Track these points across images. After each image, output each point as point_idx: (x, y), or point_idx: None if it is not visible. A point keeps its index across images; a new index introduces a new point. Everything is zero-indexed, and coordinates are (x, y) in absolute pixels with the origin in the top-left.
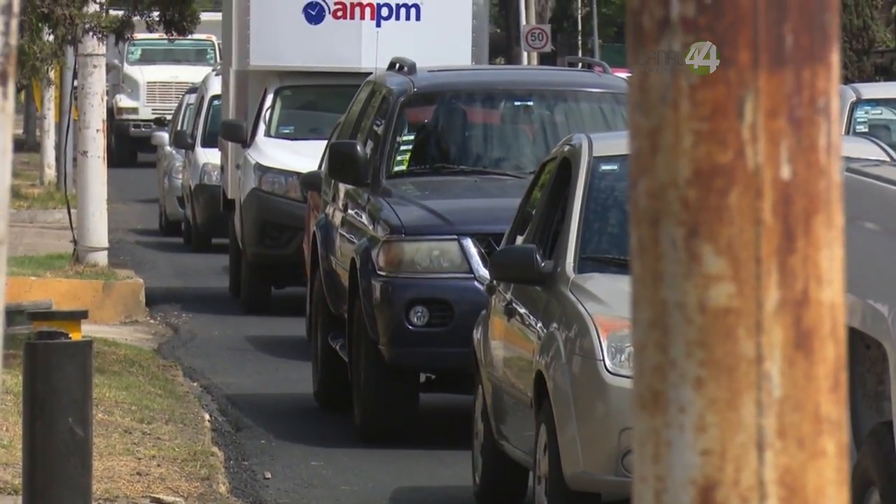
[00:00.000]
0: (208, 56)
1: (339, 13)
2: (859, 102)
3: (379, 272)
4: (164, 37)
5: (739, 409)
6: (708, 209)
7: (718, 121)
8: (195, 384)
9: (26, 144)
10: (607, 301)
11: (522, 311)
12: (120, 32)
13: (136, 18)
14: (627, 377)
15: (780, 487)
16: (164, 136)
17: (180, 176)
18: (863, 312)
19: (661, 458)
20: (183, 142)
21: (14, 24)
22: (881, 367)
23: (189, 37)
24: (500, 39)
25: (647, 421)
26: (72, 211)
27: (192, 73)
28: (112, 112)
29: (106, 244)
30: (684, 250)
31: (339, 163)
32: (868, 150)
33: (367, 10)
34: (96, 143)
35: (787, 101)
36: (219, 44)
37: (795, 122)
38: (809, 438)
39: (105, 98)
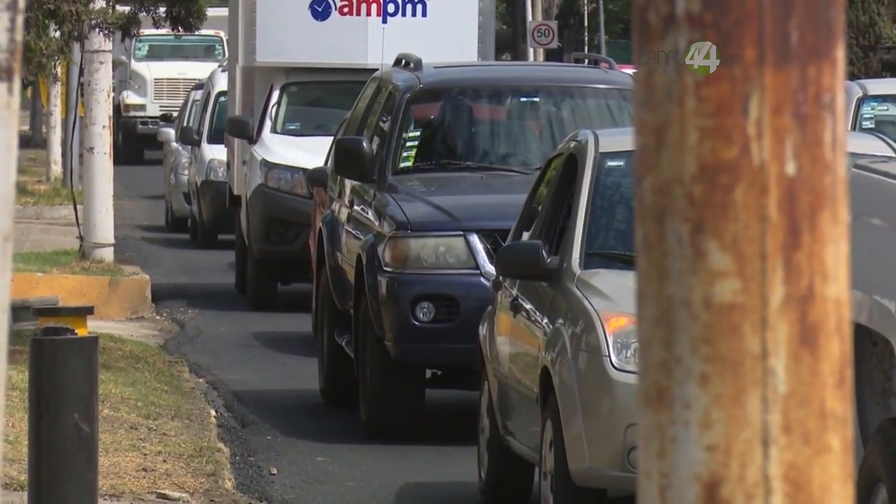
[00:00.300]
0: (217, 52)
1: (346, 9)
2: (865, 98)
3: (385, 268)
4: (172, 33)
5: (745, 405)
6: (713, 205)
7: (724, 117)
8: (201, 380)
9: (32, 141)
10: (613, 297)
11: (528, 307)
12: (126, 29)
13: (142, 14)
14: (633, 373)
15: (785, 483)
16: (171, 132)
17: (186, 172)
18: (869, 309)
19: (666, 454)
20: (189, 138)
21: (19, 20)
22: (888, 364)
23: (197, 33)
24: (507, 36)
25: (652, 417)
26: (78, 207)
27: (200, 70)
28: (119, 109)
29: (112, 240)
30: (689, 246)
31: (345, 159)
32: (874, 146)
33: (374, 6)
34: (102, 140)
35: (792, 97)
36: (227, 40)
37: (801, 119)
38: (815, 434)
39: (111, 94)
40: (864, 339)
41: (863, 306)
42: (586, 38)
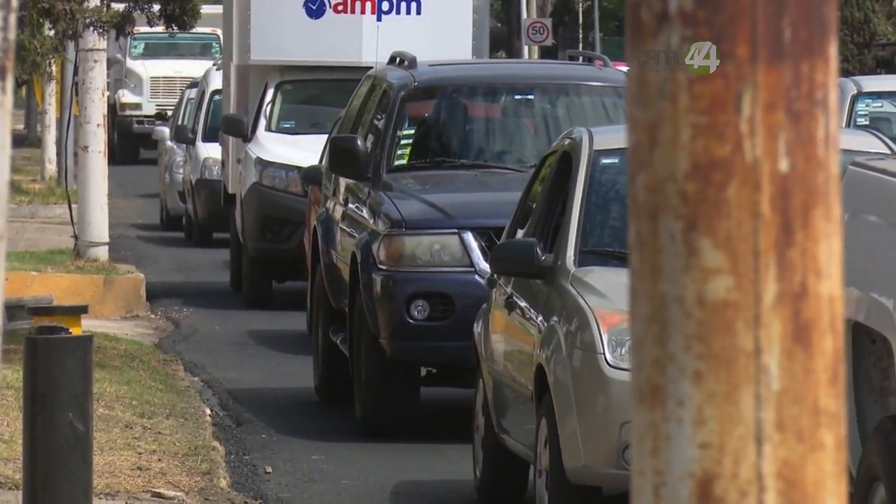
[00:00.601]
0: (213, 50)
1: (340, 7)
2: (860, 95)
3: (380, 266)
4: (167, 31)
5: (738, 402)
6: (706, 203)
7: (717, 114)
8: (196, 379)
9: (27, 140)
10: (608, 294)
11: (523, 304)
12: (120, 27)
13: (136, 13)
14: (628, 370)
15: (778, 480)
16: (165, 131)
17: (181, 171)
18: (868, 307)
19: (660, 452)
20: (184, 136)
21: (12, 19)
22: (886, 362)
23: (194, 30)
24: (501, 33)
25: (646, 414)
26: (72, 206)
27: (197, 68)
28: (115, 108)
29: (107, 239)
30: (683, 244)
31: (340, 157)
32: (869, 143)
33: (368, 4)
34: (97, 139)
35: (785, 94)
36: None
37: (794, 116)
38: (808, 431)
39: (106, 93)
40: (863, 337)
41: (861, 304)
42: (581, 36)
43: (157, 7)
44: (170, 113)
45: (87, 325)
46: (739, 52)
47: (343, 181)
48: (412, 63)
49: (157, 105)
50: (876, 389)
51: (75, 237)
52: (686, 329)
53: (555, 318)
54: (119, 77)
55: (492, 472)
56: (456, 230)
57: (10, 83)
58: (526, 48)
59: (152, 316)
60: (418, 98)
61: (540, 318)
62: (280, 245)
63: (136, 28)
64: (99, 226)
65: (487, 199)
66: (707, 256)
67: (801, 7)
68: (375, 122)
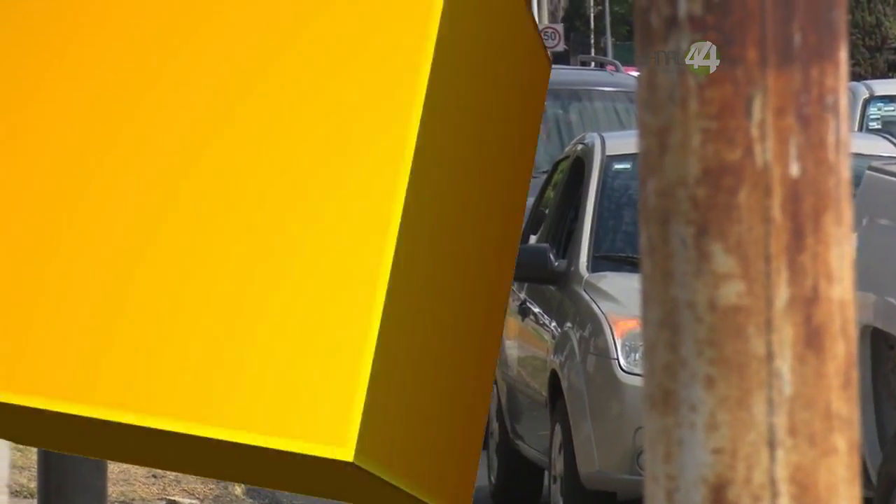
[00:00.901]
0: None
1: None
2: (872, 99)
3: None
4: None
5: (750, 407)
6: (717, 207)
7: (727, 119)
8: None
9: None
10: (621, 300)
11: (536, 310)
12: None
13: None
14: (642, 376)
15: (791, 485)
16: None
17: None
18: (886, 312)
19: (673, 458)
20: None
21: None
22: None
23: None
24: None
25: (658, 420)
26: None
27: None
28: None
29: None
30: (694, 249)
31: None
32: (880, 147)
33: None
34: None
35: (795, 98)
36: None
37: (804, 120)
38: (820, 436)
39: None
40: (881, 343)
41: (879, 310)
42: (593, 41)
43: None
44: None
45: None
46: (749, 57)
47: None
48: None
49: None
50: (894, 395)
51: None
52: (698, 334)
53: (568, 324)
54: None
55: (506, 478)
56: None
57: None
58: None
59: None
60: None
61: (553, 323)
62: None
63: None
64: None
65: None
66: (718, 261)
67: (811, 11)
68: None
